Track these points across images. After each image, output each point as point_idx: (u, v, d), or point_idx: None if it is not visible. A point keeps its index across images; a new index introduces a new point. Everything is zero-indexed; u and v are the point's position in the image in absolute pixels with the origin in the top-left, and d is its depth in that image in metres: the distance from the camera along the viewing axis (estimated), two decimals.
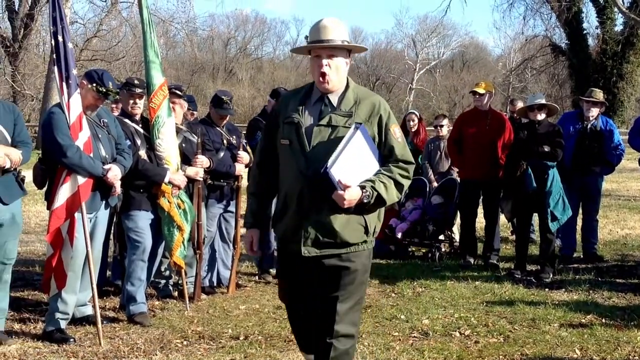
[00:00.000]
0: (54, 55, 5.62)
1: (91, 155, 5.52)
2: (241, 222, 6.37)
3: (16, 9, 32.84)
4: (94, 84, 5.61)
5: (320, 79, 3.92)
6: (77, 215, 5.46)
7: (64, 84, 5.49)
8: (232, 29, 58.11)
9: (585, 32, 34.85)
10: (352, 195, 3.79)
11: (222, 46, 58.35)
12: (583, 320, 6.33)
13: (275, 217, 4.11)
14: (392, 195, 3.94)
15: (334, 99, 4.00)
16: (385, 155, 4.00)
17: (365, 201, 3.85)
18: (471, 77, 51.47)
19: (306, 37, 4.08)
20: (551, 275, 7.97)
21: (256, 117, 8.56)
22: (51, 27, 5.67)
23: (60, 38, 5.56)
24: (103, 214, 5.90)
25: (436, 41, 59.25)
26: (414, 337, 5.91)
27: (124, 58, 34.67)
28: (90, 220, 5.71)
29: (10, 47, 31.83)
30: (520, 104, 9.93)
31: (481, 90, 8.78)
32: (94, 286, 5.62)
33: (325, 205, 3.88)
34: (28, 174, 5.58)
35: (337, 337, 3.99)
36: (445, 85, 56.38)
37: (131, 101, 6.39)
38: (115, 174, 5.69)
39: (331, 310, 3.97)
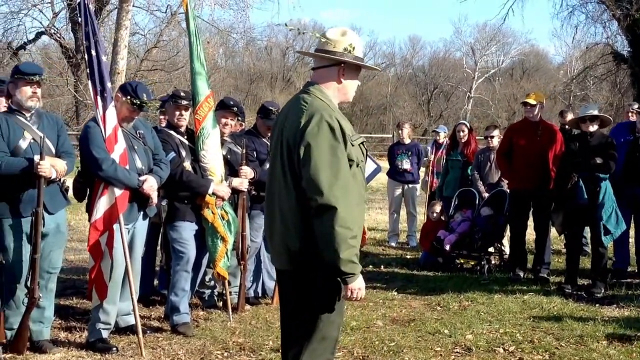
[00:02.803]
0: (88, 70, 5.71)
1: (127, 167, 5.59)
2: None
3: (79, 21, 33.62)
4: (128, 97, 5.69)
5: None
6: (115, 226, 5.53)
7: (99, 97, 5.58)
8: (289, 38, 58.37)
9: None
10: None
11: (280, 55, 58.70)
12: (633, 338, 6.13)
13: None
14: None
15: None
16: None
17: None
18: (531, 85, 50.63)
19: (353, 45, 3.69)
20: (603, 290, 7.78)
21: None
22: (84, 42, 5.76)
23: (93, 52, 5.65)
24: (141, 225, 5.97)
25: (495, 49, 58.54)
26: (457, 352, 5.82)
27: (183, 68, 35.14)
28: (129, 232, 5.78)
29: (72, 58, 32.58)
30: (570, 116, 9.74)
31: (532, 101, 8.64)
32: (134, 297, 5.68)
33: None
34: (71, 184, 5.68)
35: None
36: (505, 94, 55.59)
37: (177, 112, 6.46)
38: (150, 184, 5.75)
39: None
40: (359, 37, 3.75)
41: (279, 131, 3.66)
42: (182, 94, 6.50)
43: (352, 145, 3.56)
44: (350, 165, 3.53)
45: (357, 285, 3.55)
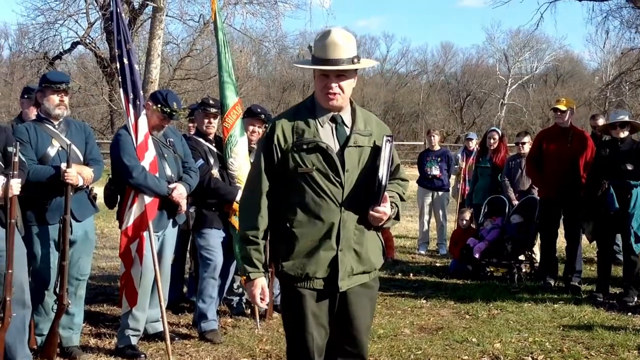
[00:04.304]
0: (120, 78, 5.77)
1: (157, 174, 5.63)
2: None
3: (114, 31, 34.01)
4: (159, 105, 5.74)
5: (329, 96, 3.57)
6: (145, 234, 5.58)
7: (131, 105, 5.63)
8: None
9: None
10: (389, 211, 3.61)
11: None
12: None
13: (297, 256, 3.63)
14: (400, 212, 3.78)
15: (346, 117, 3.68)
16: (392, 172, 3.75)
17: (392, 217, 3.69)
18: (565, 91, 50.09)
19: (310, 47, 3.77)
20: (635, 299, 7.66)
21: None
22: (116, 50, 5.82)
23: (125, 60, 5.71)
24: (171, 232, 6.00)
25: (529, 55, 57.97)
26: None
27: (216, 76, 35.28)
28: (158, 239, 5.82)
29: (107, 68, 33.00)
30: (601, 120, 9.62)
31: (563, 107, 8.55)
32: (162, 304, 5.72)
33: (357, 232, 3.64)
34: (100, 192, 5.73)
35: None
36: (539, 100, 55.04)
37: (206, 120, 6.52)
38: (180, 192, 5.78)
39: (353, 336, 3.76)
40: (315, 40, 3.66)
41: None
42: (211, 101, 6.55)
43: (297, 150, 3.54)
44: (286, 171, 3.57)
45: (253, 287, 3.69)
